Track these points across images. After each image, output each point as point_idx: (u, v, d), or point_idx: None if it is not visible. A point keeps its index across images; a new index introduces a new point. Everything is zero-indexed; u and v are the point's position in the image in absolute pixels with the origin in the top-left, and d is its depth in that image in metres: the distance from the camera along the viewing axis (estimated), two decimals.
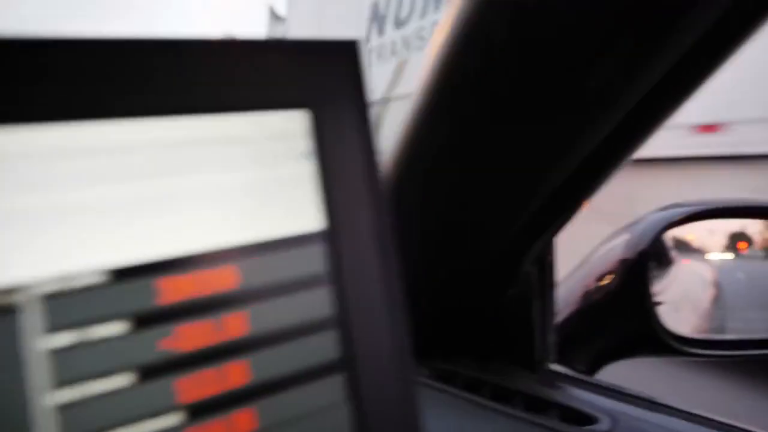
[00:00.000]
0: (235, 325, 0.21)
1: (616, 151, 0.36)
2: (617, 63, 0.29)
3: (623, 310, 0.56)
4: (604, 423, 0.41)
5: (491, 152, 0.37)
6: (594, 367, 0.58)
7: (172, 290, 0.20)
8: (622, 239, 0.56)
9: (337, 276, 0.22)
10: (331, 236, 0.22)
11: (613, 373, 0.60)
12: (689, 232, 0.82)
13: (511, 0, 0.29)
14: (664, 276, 0.80)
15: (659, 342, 0.55)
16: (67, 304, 0.18)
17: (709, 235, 0.81)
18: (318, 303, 0.22)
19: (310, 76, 0.22)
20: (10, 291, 0.17)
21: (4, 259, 0.17)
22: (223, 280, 0.21)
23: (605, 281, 0.56)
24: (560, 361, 0.55)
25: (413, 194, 0.42)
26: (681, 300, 0.80)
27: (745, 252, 0.81)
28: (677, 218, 0.57)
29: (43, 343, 0.18)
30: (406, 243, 0.47)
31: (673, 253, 0.81)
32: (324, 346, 0.22)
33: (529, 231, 0.42)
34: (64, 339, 0.18)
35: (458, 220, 0.42)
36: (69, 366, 0.18)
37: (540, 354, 0.50)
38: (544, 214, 0.40)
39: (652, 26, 0.27)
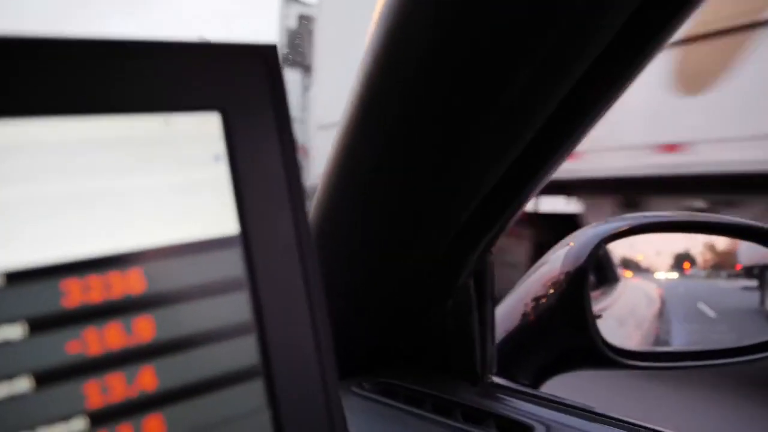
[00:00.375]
0: (145, 328, 0.21)
1: (536, 166, 0.37)
2: (531, 75, 0.30)
3: (562, 324, 0.57)
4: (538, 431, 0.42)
5: (416, 168, 0.38)
6: (537, 380, 0.59)
7: (78, 292, 0.20)
8: (561, 254, 0.58)
9: (253, 280, 0.22)
10: (246, 240, 0.22)
11: (569, 386, 0.61)
12: (638, 252, 0.86)
13: (430, 18, 0.30)
14: (611, 292, 0.82)
15: (598, 355, 0.56)
16: None
17: (656, 255, 0.85)
18: (234, 307, 0.22)
19: (224, 78, 0.22)
20: None
21: None
22: (133, 282, 0.20)
23: (545, 296, 0.57)
24: (504, 375, 0.56)
25: (348, 209, 0.43)
26: (626, 315, 0.83)
27: (689, 271, 0.85)
28: (613, 232, 0.59)
29: None
30: (341, 258, 0.48)
31: (620, 271, 0.84)
32: (241, 351, 0.22)
33: (461, 244, 0.43)
34: None
35: (392, 232, 0.43)
36: None
37: (481, 366, 0.51)
38: (474, 228, 0.42)
39: (563, 35, 0.29)
